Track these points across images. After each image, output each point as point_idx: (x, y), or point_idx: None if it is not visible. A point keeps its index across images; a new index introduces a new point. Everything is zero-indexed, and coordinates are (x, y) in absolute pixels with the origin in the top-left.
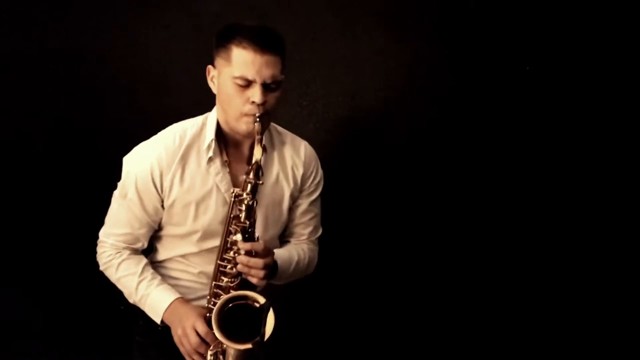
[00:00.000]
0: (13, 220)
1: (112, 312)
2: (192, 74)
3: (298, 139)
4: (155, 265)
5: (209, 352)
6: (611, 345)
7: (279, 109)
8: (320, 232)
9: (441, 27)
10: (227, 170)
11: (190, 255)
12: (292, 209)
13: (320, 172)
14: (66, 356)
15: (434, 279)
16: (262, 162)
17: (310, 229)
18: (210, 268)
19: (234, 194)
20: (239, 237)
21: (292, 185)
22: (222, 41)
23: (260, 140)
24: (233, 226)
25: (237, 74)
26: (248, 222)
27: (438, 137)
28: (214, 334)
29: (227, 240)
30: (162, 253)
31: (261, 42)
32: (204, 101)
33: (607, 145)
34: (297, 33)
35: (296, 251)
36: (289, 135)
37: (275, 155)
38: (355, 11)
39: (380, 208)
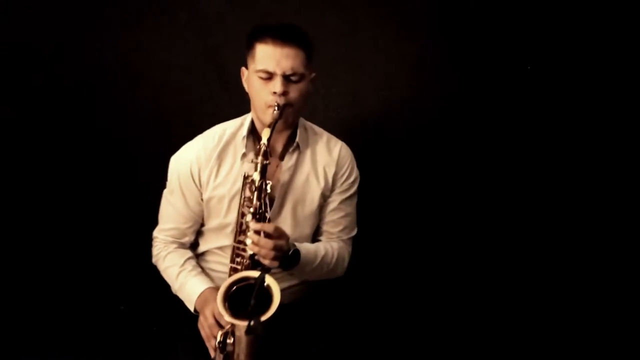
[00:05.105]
0: (13, 221)
1: (112, 312)
2: (192, 74)
3: (334, 139)
4: (198, 257)
5: (219, 333)
6: (611, 345)
7: (305, 104)
8: (354, 232)
9: (442, 27)
10: None
11: (226, 248)
12: (323, 206)
13: (356, 172)
14: (67, 356)
15: (433, 277)
16: (269, 145)
17: (340, 227)
18: None
19: (244, 176)
20: (249, 217)
21: (322, 184)
22: (249, 41)
23: (273, 125)
24: (245, 207)
25: (259, 67)
26: (259, 203)
27: (439, 136)
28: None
29: (241, 222)
30: (202, 246)
31: (280, 36)
32: (204, 102)
33: (607, 145)
34: None
35: (324, 246)
36: (325, 135)
37: (309, 154)
38: (357, 11)
39: (381, 208)
